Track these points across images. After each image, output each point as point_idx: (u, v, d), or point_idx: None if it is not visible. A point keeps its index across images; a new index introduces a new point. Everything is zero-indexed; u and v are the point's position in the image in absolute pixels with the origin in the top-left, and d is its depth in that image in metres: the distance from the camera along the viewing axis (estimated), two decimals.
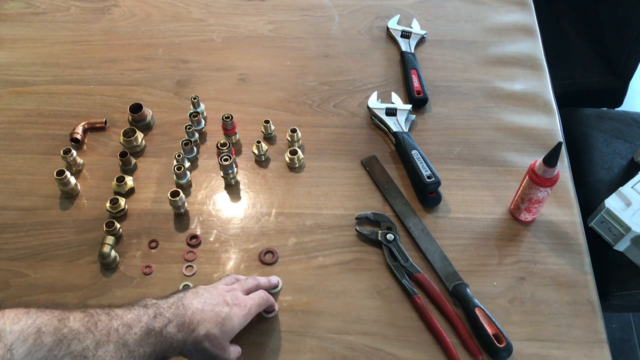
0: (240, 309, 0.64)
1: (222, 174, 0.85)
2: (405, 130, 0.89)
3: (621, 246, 0.94)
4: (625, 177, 1.05)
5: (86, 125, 0.92)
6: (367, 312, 0.72)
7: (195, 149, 0.89)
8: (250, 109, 0.95)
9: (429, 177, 0.81)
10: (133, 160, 0.88)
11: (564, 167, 0.86)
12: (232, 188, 0.85)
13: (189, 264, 0.77)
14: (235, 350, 0.64)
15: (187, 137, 0.89)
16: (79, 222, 0.81)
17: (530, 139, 0.90)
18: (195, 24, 1.11)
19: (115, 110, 0.96)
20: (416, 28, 1.07)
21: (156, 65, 1.03)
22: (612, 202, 0.90)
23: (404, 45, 1.04)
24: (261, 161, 0.88)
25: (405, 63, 1.00)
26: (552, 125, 0.92)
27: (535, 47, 1.05)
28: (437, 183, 0.81)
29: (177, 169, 0.83)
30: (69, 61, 1.04)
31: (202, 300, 0.62)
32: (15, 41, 1.08)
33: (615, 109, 1.46)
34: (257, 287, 0.70)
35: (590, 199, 1.05)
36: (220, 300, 0.63)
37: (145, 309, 0.58)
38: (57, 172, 0.81)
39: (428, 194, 0.82)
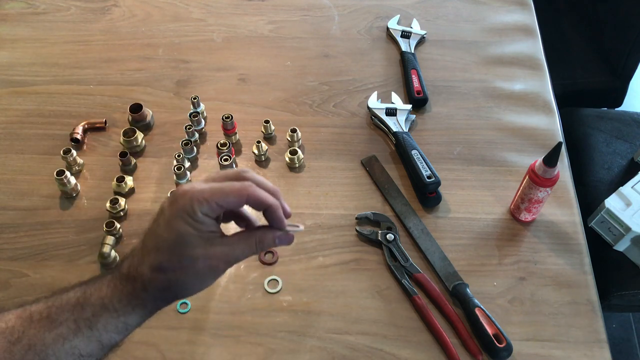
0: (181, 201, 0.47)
1: None
2: (405, 130, 0.89)
3: (621, 246, 0.94)
4: (625, 177, 1.05)
5: (86, 125, 0.92)
6: (367, 312, 0.72)
7: (195, 149, 0.89)
8: (250, 109, 0.95)
9: (429, 177, 0.81)
10: (133, 160, 0.88)
11: (564, 167, 0.86)
12: None
13: None
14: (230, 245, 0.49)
15: (187, 137, 0.89)
16: (79, 222, 0.81)
17: (530, 139, 0.90)
18: (195, 24, 1.11)
19: (115, 110, 0.96)
20: (416, 28, 1.07)
21: (156, 65, 1.03)
22: (612, 202, 0.90)
23: (404, 45, 1.04)
24: (261, 161, 0.88)
25: (405, 63, 1.00)
26: (552, 125, 0.92)
27: (535, 47, 1.05)
28: (437, 183, 0.81)
29: (177, 169, 0.83)
30: (69, 61, 1.04)
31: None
32: (15, 41, 1.08)
33: (615, 109, 1.46)
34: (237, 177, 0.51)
35: (590, 199, 1.05)
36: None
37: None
38: (57, 172, 0.81)
39: (428, 194, 0.82)
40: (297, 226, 0.54)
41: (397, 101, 0.94)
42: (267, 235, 0.51)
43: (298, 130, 0.88)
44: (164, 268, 0.47)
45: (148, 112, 0.94)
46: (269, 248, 0.55)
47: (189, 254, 0.47)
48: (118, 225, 0.79)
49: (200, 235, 0.47)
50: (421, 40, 1.06)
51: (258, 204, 0.48)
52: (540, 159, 0.72)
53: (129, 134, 0.89)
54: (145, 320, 0.50)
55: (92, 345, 0.47)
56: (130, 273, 0.48)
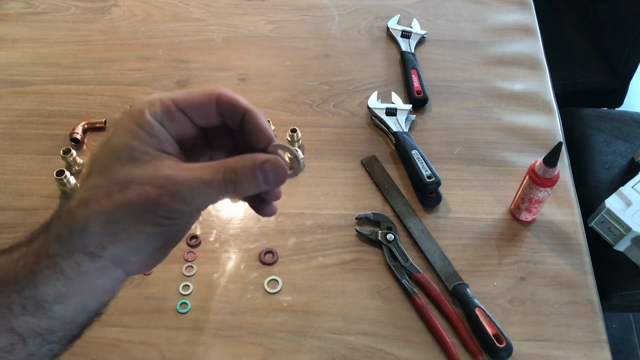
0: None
1: None
2: (405, 130, 0.89)
3: (621, 246, 0.94)
4: (625, 177, 1.05)
5: (86, 125, 0.92)
6: (367, 312, 0.72)
7: None
8: None
9: (429, 177, 0.81)
10: None
11: (564, 167, 0.86)
12: None
13: (189, 264, 0.77)
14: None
15: None
16: None
17: (530, 139, 0.90)
18: (195, 24, 1.10)
19: (115, 110, 0.96)
20: (416, 28, 1.07)
21: (156, 65, 1.03)
22: (613, 202, 0.90)
23: (404, 45, 1.04)
24: None
25: (405, 63, 1.00)
26: (552, 125, 0.92)
27: (535, 47, 1.05)
28: (437, 183, 0.81)
29: None
30: (69, 61, 1.04)
31: None
32: (15, 41, 1.08)
33: (615, 109, 1.46)
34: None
35: (590, 199, 1.05)
36: None
37: None
38: (57, 172, 0.81)
39: (428, 194, 0.82)
40: (294, 150, 0.38)
41: (397, 101, 0.94)
42: (243, 161, 0.34)
43: (298, 130, 0.88)
44: (87, 199, 0.33)
45: None
46: (247, 186, 0.34)
47: (120, 174, 0.33)
48: None
49: (142, 148, 0.33)
50: (421, 40, 1.06)
51: (232, 109, 0.35)
52: (540, 159, 0.72)
53: None
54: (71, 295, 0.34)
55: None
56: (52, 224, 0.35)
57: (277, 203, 0.39)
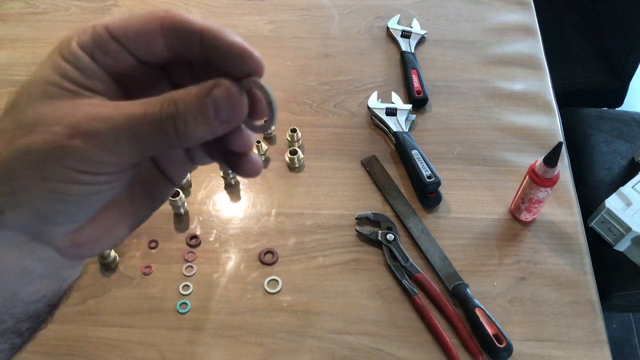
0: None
1: (222, 174, 0.85)
2: (405, 130, 0.89)
3: (621, 246, 0.94)
4: (625, 177, 1.05)
5: None
6: (367, 312, 0.72)
7: None
8: None
9: (429, 177, 0.81)
10: None
11: (564, 167, 0.86)
12: (232, 188, 0.85)
13: (189, 264, 0.77)
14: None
15: None
16: None
17: (530, 139, 0.90)
18: None
19: None
20: (416, 28, 1.07)
21: None
22: (613, 202, 0.90)
23: (404, 45, 1.04)
24: (261, 161, 0.88)
25: (405, 63, 1.00)
26: (552, 125, 0.92)
27: (535, 47, 1.05)
28: (437, 183, 0.81)
29: None
30: None
31: None
32: (15, 41, 1.08)
33: (616, 109, 1.46)
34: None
35: (590, 199, 1.05)
36: None
37: None
38: None
39: (428, 194, 0.82)
40: (270, 94, 0.27)
41: (397, 101, 0.94)
42: (187, 90, 0.25)
43: (298, 130, 0.88)
44: None
45: None
46: (192, 122, 0.25)
47: (28, 114, 0.25)
48: None
49: (60, 83, 0.26)
50: (421, 40, 1.06)
51: (183, 34, 0.26)
52: (540, 159, 0.72)
53: None
54: None
55: None
56: None
57: (258, 158, 0.31)
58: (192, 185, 0.86)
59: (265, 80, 0.27)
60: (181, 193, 0.80)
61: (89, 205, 0.27)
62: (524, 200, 0.76)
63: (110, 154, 0.25)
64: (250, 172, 0.30)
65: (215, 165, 0.87)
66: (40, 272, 0.28)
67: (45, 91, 0.25)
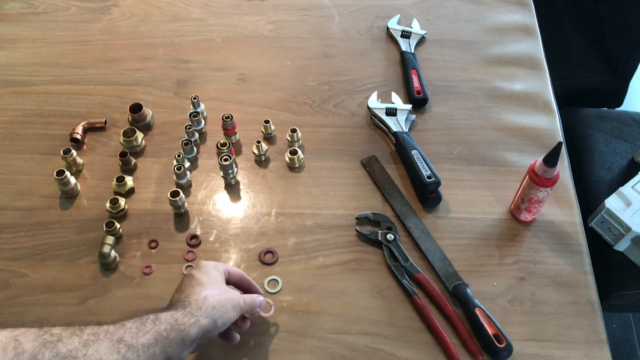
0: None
1: (222, 174, 0.85)
2: (405, 130, 0.89)
3: (621, 246, 0.94)
4: (625, 177, 1.05)
5: (86, 125, 0.92)
6: (367, 312, 0.72)
7: (195, 149, 0.89)
8: (250, 109, 0.95)
9: (429, 177, 0.81)
10: (133, 160, 0.88)
11: (564, 167, 0.86)
12: (232, 188, 0.85)
13: (189, 264, 0.77)
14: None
15: (187, 137, 0.89)
16: (78, 222, 0.81)
17: (530, 139, 0.90)
18: (195, 24, 1.11)
19: (115, 110, 0.96)
20: (416, 28, 1.07)
21: (156, 65, 1.03)
22: (612, 202, 0.90)
23: (404, 45, 1.04)
24: (261, 161, 0.88)
25: (405, 63, 1.00)
26: (552, 125, 0.92)
27: (535, 47, 1.05)
28: (437, 183, 0.81)
29: (177, 169, 0.83)
30: (69, 61, 1.04)
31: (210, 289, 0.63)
32: (15, 41, 1.08)
33: (615, 109, 1.46)
34: (248, 285, 0.70)
35: (590, 199, 1.05)
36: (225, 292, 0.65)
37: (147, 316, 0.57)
38: (57, 172, 0.81)
39: (428, 194, 0.82)
40: (270, 302, 0.71)
41: (397, 101, 0.94)
42: (255, 297, 0.66)
43: (298, 130, 0.88)
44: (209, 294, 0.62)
45: (148, 112, 0.94)
46: (252, 306, 0.66)
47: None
48: (118, 225, 0.79)
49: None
50: (421, 40, 1.06)
51: (245, 282, 0.70)
52: (540, 159, 0.72)
53: (128, 133, 0.89)
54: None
55: None
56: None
57: (238, 335, 0.67)
58: (192, 185, 0.86)
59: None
60: (181, 193, 0.80)
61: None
62: (523, 200, 0.76)
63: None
64: (233, 341, 0.68)
65: (215, 166, 0.87)
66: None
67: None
